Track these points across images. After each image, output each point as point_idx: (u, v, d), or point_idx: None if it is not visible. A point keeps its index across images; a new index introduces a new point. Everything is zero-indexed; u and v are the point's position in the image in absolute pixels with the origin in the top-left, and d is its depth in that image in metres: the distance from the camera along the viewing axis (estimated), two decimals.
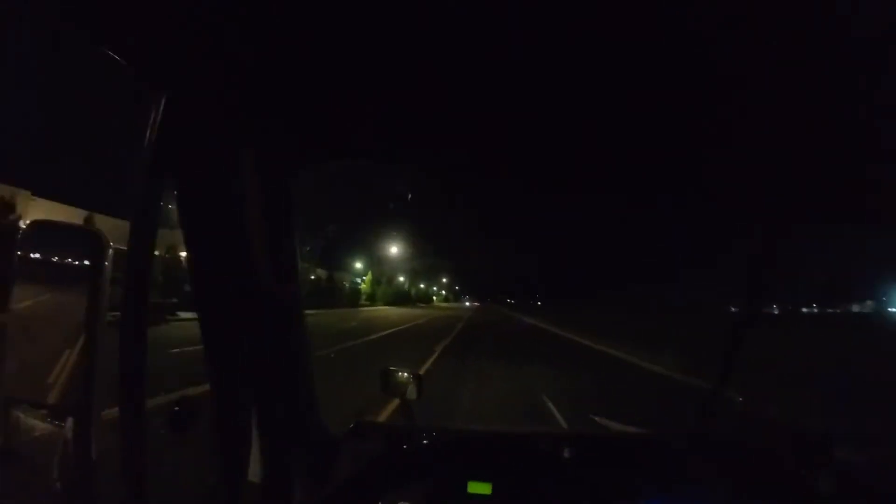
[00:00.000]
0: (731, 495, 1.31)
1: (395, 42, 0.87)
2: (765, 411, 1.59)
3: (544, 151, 1.20)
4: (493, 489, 1.30)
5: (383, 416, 4.61)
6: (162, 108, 0.88)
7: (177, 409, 1.10)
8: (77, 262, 0.82)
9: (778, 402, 5.13)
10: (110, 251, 0.83)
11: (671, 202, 1.54)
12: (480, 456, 1.45)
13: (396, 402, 1.83)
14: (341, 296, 41.29)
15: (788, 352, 13.01)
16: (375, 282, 58.75)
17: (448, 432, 1.57)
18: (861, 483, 1.33)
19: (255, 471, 1.17)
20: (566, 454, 1.41)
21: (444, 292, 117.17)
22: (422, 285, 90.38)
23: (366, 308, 43.92)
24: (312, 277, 36.87)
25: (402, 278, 71.47)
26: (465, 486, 1.31)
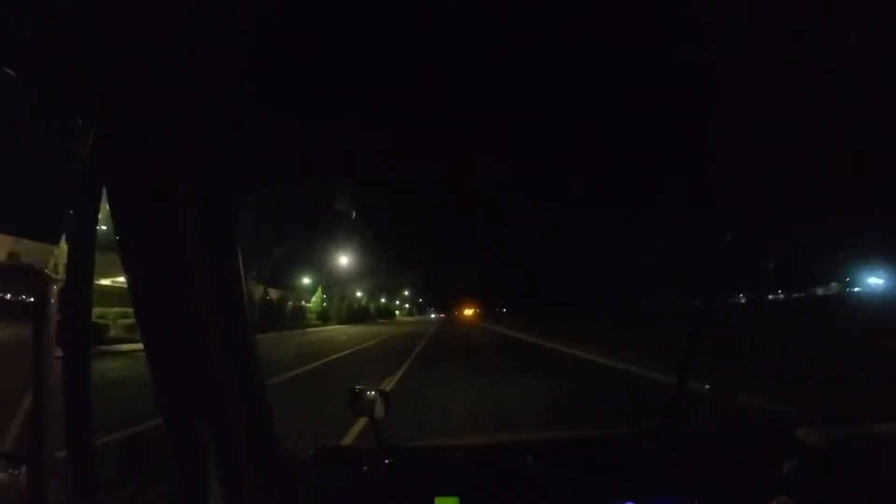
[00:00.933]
0: (701, 491, 1.37)
1: (336, 57, 0.90)
2: (733, 399, 1.67)
3: (498, 151, 1.24)
4: (461, 502, 1.33)
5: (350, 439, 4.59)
6: (93, 133, 0.89)
7: (126, 449, 1.10)
8: (23, 302, 0.82)
9: (747, 390, 5.37)
10: (54, 287, 0.83)
11: (627, 199, 1.62)
12: (446, 471, 1.49)
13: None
14: (282, 316, 38.84)
15: (756, 339, 13.58)
16: (327, 299, 56.11)
17: (411, 450, 1.59)
18: (829, 466, 1.41)
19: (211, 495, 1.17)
20: (531, 463, 1.44)
21: (406, 306, 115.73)
22: (382, 300, 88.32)
23: (314, 329, 40.91)
24: (268, 298, 35.77)
25: (359, 294, 69.18)
26: (433, 503, 1.34)
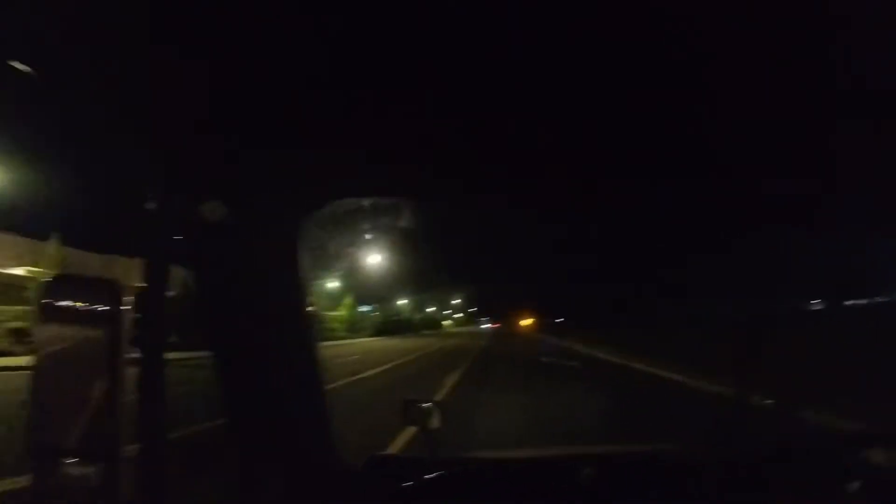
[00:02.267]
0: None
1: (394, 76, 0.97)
2: (798, 414, 1.64)
3: (555, 156, 1.27)
4: None
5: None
6: (168, 161, 1.00)
7: (195, 446, 1.20)
8: (98, 310, 0.91)
9: (816, 404, 5.15)
10: (125, 299, 0.91)
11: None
12: (502, 482, 1.52)
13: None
14: None
15: (831, 347, 12.89)
16: (355, 307, 50.68)
17: (468, 460, 1.64)
18: (887, 489, 1.36)
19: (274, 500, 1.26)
20: (588, 476, 1.45)
21: (455, 316, 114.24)
22: (429, 309, 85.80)
23: (337, 343, 34.28)
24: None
25: (402, 302, 65.60)
26: None
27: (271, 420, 1.27)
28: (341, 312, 47.08)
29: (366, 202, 1.42)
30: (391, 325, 54.84)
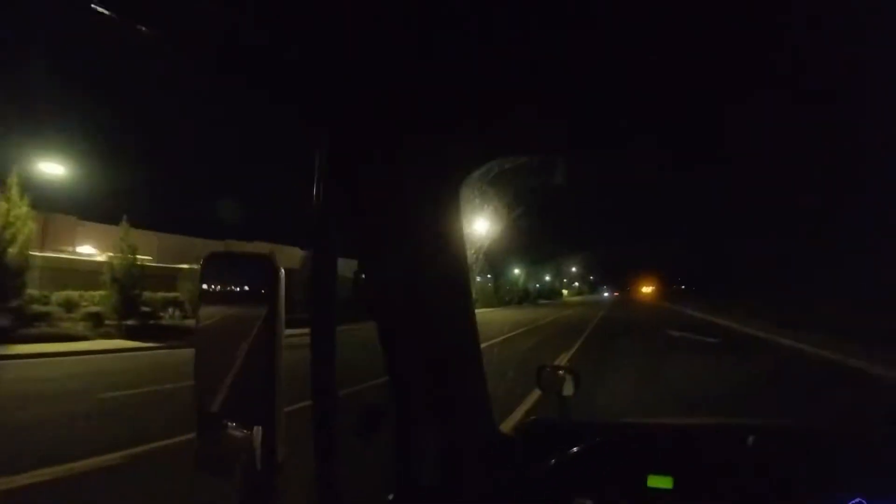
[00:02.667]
0: None
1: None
2: None
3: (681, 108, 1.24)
4: (675, 483, 1.35)
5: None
6: (327, 142, 1.06)
7: (362, 415, 1.29)
8: (256, 286, 0.99)
9: None
10: (282, 273, 0.97)
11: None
12: (659, 449, 1.54)
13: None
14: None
15: None
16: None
17: (624, 425, 1.65)
18: None
19: (432, 472, 1.34)
20: (751, 445, 1.43)
21: (576, 284, 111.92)
22: (547, 278, 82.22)
23: None
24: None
25: (516, 271, 61.31)
26: (646, 481, 1.37)
27: (431, 386, 1.32)
28: None
29: (509, 164, 1.42)
30: (506, 296, 52.17)
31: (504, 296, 51.49)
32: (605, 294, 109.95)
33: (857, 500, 1.27)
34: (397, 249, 1.26)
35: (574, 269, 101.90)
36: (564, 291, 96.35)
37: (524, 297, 59.00)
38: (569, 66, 1.04)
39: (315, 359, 1.01)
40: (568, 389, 1.83)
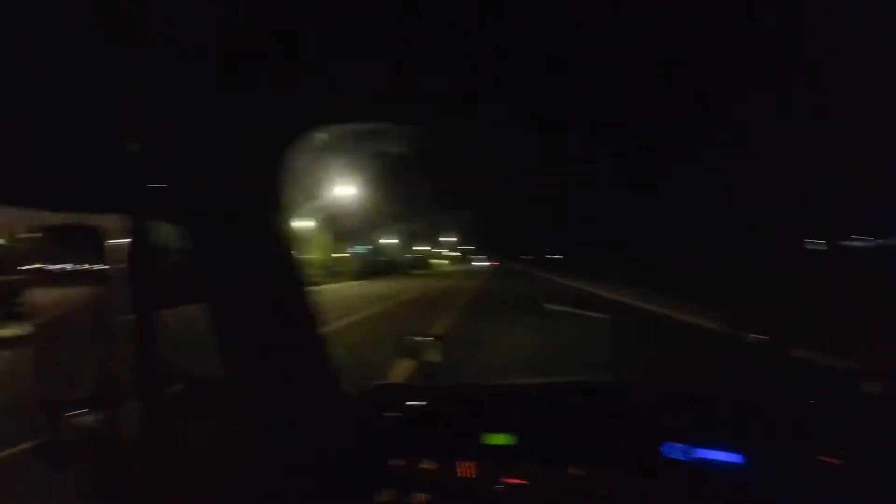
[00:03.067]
0: (752, 439, 1.44)
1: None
2: (792, 350, 1.73)
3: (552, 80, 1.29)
4: (512, 440, 1.45)
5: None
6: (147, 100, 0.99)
7: (184, 388, 1.25)
8: (91, 261, 0.95)
9: (810, 341, 5.31)
10: (110, 242, 0.95)
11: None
12: (497, 408, 1.61)
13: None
14: None
15: (830, 287, 13.12)
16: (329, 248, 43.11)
17: (464, 387, 1.75)
18: (890, 420, 1.43)
19: (277, 442, 1.33)
20: (582, 402, 1.55)
21: (455, 253, 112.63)
22: (420, 247, 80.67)
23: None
24: None
25: (390, 241, 58.90)
26: (485, 439, 1.46)
27: (267, 362, 1.31)
28: (315, 255, 39.82)
29: (350, 128, 1.40)
30: (374, 267, 48.27)
31: (371, 267, 47.47)
32: (485, 263, 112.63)
33: (681, 446, 1.44)
34: (224, 218, 1.21)
35: (452, 238, 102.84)
36: (441, 261, 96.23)
37: (394, 268, 54.76)
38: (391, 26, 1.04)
39: (139, 335, 0.96)
40: (434, 356, 1.88)
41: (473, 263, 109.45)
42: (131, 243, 0.97)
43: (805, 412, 1.51)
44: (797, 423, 1.47)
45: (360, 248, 50.91)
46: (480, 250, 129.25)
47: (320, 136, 1.37)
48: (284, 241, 1.35)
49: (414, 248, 77.56)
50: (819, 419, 1.47)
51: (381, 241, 56.82)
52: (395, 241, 61.39)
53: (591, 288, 23.83)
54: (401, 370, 5.66)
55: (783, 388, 1.67)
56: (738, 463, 1.37)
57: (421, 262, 76.03)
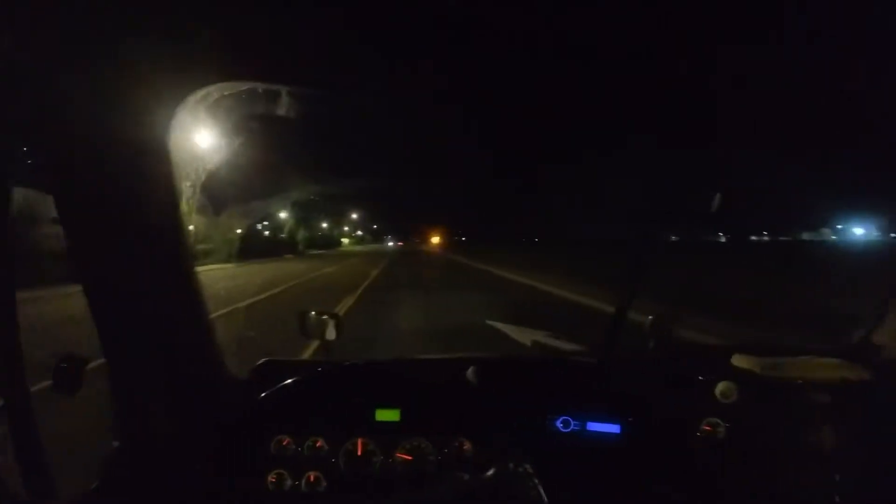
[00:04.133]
0: (635, 409, 1.57)
1: None
2: (676, 332, 1.90)
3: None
4: (401, 415, 1.51)
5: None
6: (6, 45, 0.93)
7: (62, 366, 1.20)
8: None
9: (696, 326, 5.80)
10: None
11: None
12: (386, 383, 1.72)
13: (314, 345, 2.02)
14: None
15: (720, 278, 14.53)
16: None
17: (353, 363, 1.81)
18: (757, 390, 1.64)
19: (159, 430, 1.34)
20: (471, 376, 1.65)
21: (359, 233, 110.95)
22: (324, 225, 76.14)
23: None
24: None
25: (284, 216, 52.58)
26: (374, 415, 1.57)
27: (149, 343, 1.29)
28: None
29: (239, 88, 1.34)
30: (264, 246, 42.45)
31: (260, 246, 41.23)
32: (390, 244, 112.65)
33: (564, 418, 1.55)
34: (97, 189, 1.15)
35: (355, 217, 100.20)
36: (345, 240, 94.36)
37: (289, 248, 49.76)
38: None
39: None
40: (330, 334, 1.93)
41: (389, 244, 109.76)
42: None
43: (684, 383, 1.71)
44: (677, 393, 1.61)
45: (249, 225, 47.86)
46: (387, 231, 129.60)
47: (205, 96, 1.30)
48: (168, 215, 1.29)
49: (321, 225, 74.40)
50: (696, 389, 1.67)
51: (282, 215, 51.44)
52: (296, 219, 55.80)
53: (503, 272, 23.66)
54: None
55: (665, 360, 1.87)
56: (615, 433, 1.50)
57: (323, 242, 70.30)
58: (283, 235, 51.86)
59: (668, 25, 1.11)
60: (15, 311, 0.97)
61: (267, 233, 50.19)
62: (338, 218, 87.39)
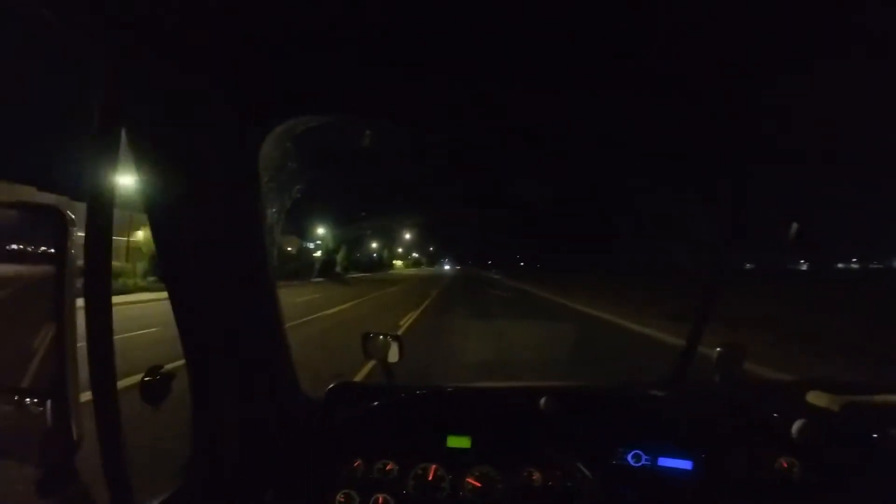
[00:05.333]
0: (708, 446, 1.59)
1: None
2: (746, 365, 1.91)
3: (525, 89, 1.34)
4: (472, 442, 1.62)
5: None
6: (107, 83, 1.03)
7: (148, 379, 1.31)
8: (45, 244, 0.97)
9: (762, 356, 5.67)
10: (74, 229, 0.96)
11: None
12: (459, 410, 1.78)
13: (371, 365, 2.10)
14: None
15: (787, 307, 13.98)
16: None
17: (425, 389, 1.86)
18: (835, 429, 1.61)
19: (233, 443, 1.43)
20: (543, 406, 1.67)
21: (414, 254, 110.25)
22: (374, 245, 75.43)
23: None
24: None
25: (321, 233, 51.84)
26: (445, 441, 1.64)
27: (229, 358, 1.38)
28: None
29: (322, 122, 1.40)
30: (296, 268, 40.18)
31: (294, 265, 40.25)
32: (447, 267, 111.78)
33: (635, 451, 1.59)
34: (189, 212, 1.26)
35: (408, 237, 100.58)
36: (397, 262, 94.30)
37: (325, 269, 46.97)
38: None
39: (90, 332, 1.00)
40: (393, 356, 1.99)
41: (445, 267, 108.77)
42: (89, 229, 1.00)
43: (758, 420, 1.71)
44: (752, 430, 1.68)
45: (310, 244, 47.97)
46: (444, 255, 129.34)
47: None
48: (253, 234, 1.38)
49: (371, 245, 72.86)
50: (770, 427, 1.66)
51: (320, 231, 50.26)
52: (327, 232, 52.38)
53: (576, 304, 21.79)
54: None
55: (739, 396, 1.86)
56: (688, 469, 1.53)
57: (372, 264, 66.71)
58: (317, 255, 47.86)
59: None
60: (111, 318, 1.01)
61: (318, 253, 49.40)
62: (389, 238, 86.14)
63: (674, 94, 1.34)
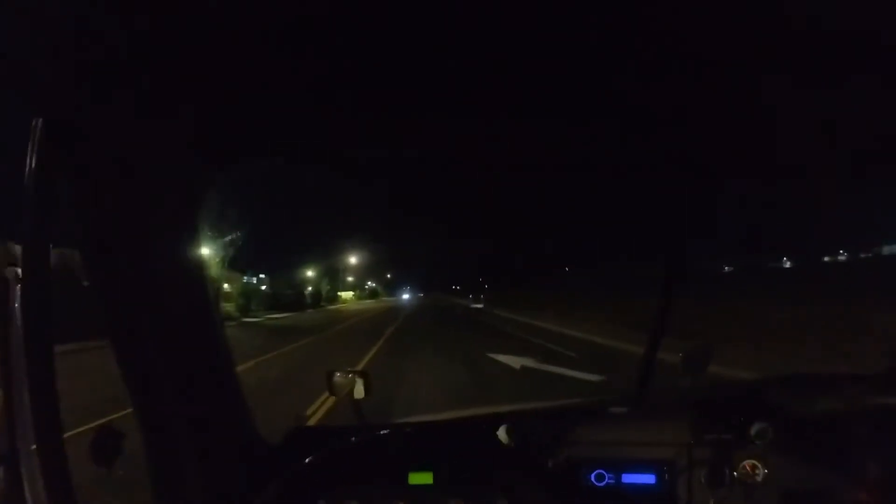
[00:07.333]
0: (672, 454, 1.76)
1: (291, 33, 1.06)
2: (708, 369, 2.01)
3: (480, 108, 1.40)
4: (434, 478, 1.70)
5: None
6: (43, 122, 1.04)
7: (97, 438, 1.34)
8: None
9: (731, 361, 6.51)
10: (18, 288, 0.99)
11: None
12: (418, 447, 1.85)
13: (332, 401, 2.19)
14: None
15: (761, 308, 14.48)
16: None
17: (384, 427, 1.95)
18: (794, 430, 1.75)
19: (193, 490, 1.45)
20: (502, 436, 1.75)
21: (369, 284, 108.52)
22: (310, 274, 67.20)
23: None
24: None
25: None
26: (407, 478, 1.71)
27: (179, 404, 1.40)
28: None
29: (263, 163, 1.43)
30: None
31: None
32: (406, 296, 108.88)
33: (598, 471, 1.69)
34: (131, 252, 1.28)
35: (354, 261, 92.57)
36: (344, 295, 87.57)
37: (274, 304, 44.78)
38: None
39: (33, 378, 1.00)
40: (359, 393, 2.02)
41: (404, 297, 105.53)
42: (25, 272, 1.00)
43: (720, 423, 1.81)
44: (713, 434, 1.78)
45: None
46: (405, 283, 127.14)
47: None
48: (195, 273, 1.44)
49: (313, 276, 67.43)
50: (732, 430, 1.77)
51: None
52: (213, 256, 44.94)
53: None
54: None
55: (700, 401, 1.97)
56: (651, 483, 1.64)
57: (300, 300, 57.76)
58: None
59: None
60: (53, 372, 0.99)
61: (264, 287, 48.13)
62: (331, 268, 77.03)
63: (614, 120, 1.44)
